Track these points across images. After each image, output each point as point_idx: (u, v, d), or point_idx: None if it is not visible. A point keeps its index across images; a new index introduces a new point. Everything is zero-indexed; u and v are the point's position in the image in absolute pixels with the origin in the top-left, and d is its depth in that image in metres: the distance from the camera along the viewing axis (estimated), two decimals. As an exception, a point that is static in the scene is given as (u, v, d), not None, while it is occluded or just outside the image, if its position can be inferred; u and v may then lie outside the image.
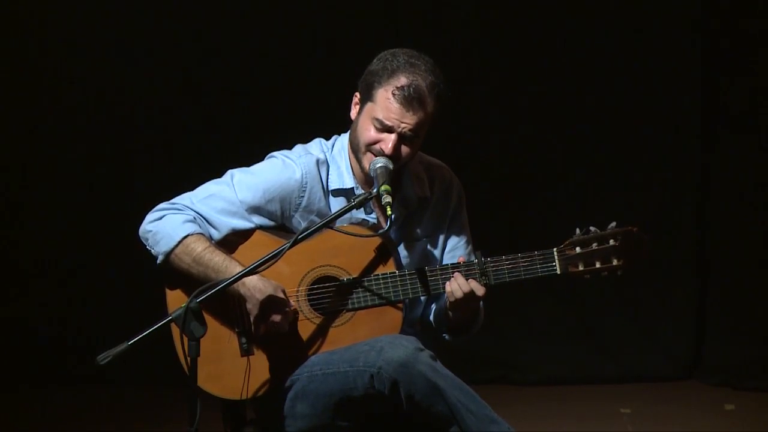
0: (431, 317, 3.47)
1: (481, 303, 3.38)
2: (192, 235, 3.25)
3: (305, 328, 3.28)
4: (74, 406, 5.63)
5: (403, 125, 3.23)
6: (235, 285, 3.16)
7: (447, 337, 3.44)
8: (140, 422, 5.39)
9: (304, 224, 3.31)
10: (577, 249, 3.26)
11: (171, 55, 5.87)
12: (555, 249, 3.28)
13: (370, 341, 3.19)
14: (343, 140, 3.41)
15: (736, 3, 5.76)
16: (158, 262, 3.28)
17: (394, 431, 3.20)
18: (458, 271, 3.25)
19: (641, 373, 5.89)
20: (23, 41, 5.87)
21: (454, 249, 3.44)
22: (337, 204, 3.34)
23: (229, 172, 3.35)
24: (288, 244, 3.08)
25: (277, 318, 3.21)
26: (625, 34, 5.80)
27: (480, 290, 3.23)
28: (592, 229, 3.27)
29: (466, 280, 3.23)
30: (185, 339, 2.97)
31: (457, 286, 3.23)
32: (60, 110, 5.92)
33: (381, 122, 3.24)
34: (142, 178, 5.82)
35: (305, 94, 5.77)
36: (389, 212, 3.15)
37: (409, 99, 3.21)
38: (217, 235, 3.29)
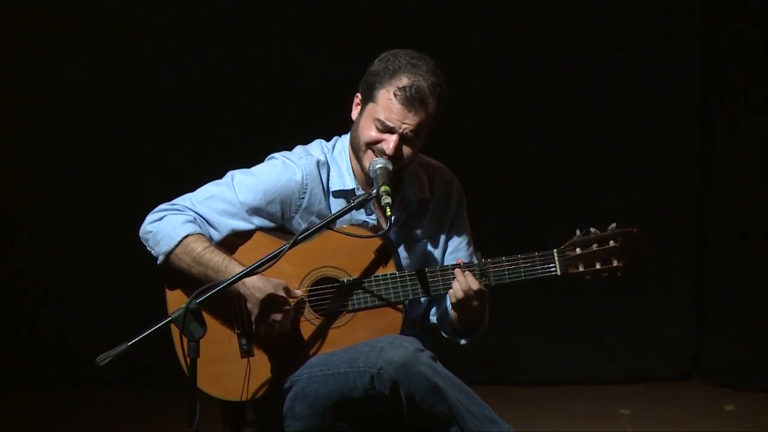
0: (435, 319, 3.47)
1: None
2: (192, 235, 3.25)
3: (305, 329, 3.28)
4: (74, 407, 5.63)
5: (404, 126, 3.23)
6: (235, 285, 3.16)
7: (462, 341, 3.42)
8: (140, 422, 5.39)
9: (304, 225, 3.31)
10: (578, 250, 3.27)
11: (171, 55, 5.86)
12: (555, 250, 3.28)
13: (370, 342, 3.19)
14: (343, 141, 3.41)
15: (735, 2, 5.76)
16: (158, 262, 3.29)
17: (394, 432, 3.21)
18: (459, 269, 3.25)
19: (641, 373, 5.89)
20: (22, 41, 5.87)
21: (456, 250, 3.44)
22: (337, 205, 3.34)
23: (230, 173, 3.35)
24: (288, 245, 3.08)
25: (277, 317, 3.21)
26: (625, 34, 5.79)
27: (475, 284, 3.22)
28: (592, 230, 3.28)
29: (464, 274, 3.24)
30: (185, 340, 2.97)
31: (457, 285, 3.23)
32: (60, 110, 5.91)
33: (382, 123, 3.24)
34: (142, 179, 5.82)
35: (306, 94, 5.76)
36: (389, 213, 3.15)
37: (411, 99, 3.22)
38: (217, 236, 3.30)
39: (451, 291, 3.25)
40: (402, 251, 3.39)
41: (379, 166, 3.23)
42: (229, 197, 3.30)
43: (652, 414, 5.35)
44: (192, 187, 3.36)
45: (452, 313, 3.36)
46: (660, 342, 5.92)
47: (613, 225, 3.29)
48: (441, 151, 3.53)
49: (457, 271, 3.25)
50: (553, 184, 5.90)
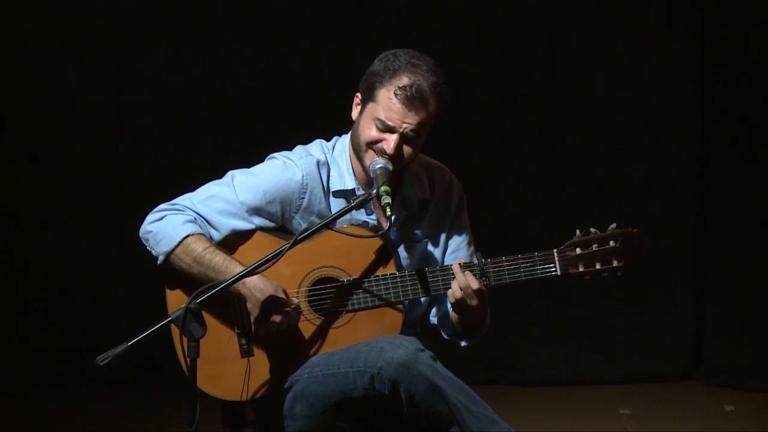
0: (435, 320, 3.47)
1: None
2: (192, 235, 3.25)
3: (305, 329, 3.28)
4: (74, 407, 5.63)
5: (405, 125, 3.23)
6: (235, 285, 3.16)
7: (463, 343, 3.42)
8: (140, 422, 5.40)
9: (304, 225, 3.31)
10: (578, 250, 3.26)
11: (172, 55, 5.86)
12: (555, 250, 3.28)
13: (370, 342, 3.19)
14: (344, 141, 3.41)
15: (735, 2, 5.77)
16: (159, 262, 3.29)
17: (393, 432, 3.21)
18: (458, 267, 3.25)
19: (641, 373, 5.89)
20: (23, 41, 5.87)
21: (457, 250, 3.44)
22: (337, 205, 3.34)
23: (230, 173, 3.35)
24: (288, 245, 3.08)
25: (277, 318, 3.21)
26: (625, 34, 5.80)
27: (475, 283, 3.22)
28: (592, 230, 3.27)
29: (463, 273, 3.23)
30: (185, 340, 2.97)
31: (456, 284, 3.23)
32: (60, 110, 5.91)
33: (383, 122, 3.24)
34: (142, 179, 5.82)
35: (306, 94, 5.77)
36: (389, 213, 3.15)
37: (411, 99, 3.21)
38: (217, 235, 3.30)
39: (450, 290, 3.25)
40: (402, 251, 3.39)
41: (379, 166, 3.23)
42: (229, 197, 3.30)
43: (652, 414, 5.35)
44: (192, 187, 3.36)
45: (453, 314, 3.35)
46: (660, 342, 5.92)
47: (613, 225, 3.29)
48: (441, 151, 3.53)
49: (456, 269, 3.24)
50: (553, 184, 5.90)
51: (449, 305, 3.32)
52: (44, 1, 5.84)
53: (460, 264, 3.26)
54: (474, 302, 3.23)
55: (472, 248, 3.46)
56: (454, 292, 3.23)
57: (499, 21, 5.83)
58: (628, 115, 5.86)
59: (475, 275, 3.24)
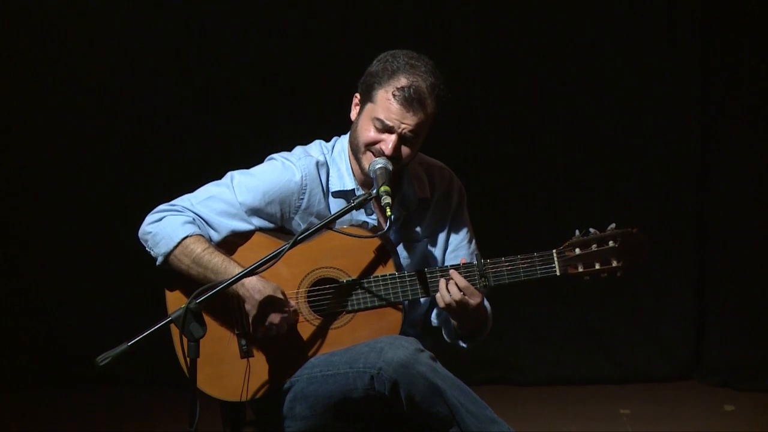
0: (437, 322, 3.47)
1: (489, 309, 3.37)
2: (191, 236, 3.25)
3: (305, 330, 3.28)
4: (74, 407, 5.63)
5: (403, 126, 3.24)
6: (234, 286, 3.16)
7: (464, 345, 3.42)
8: (140, 422, 5.39)
9: (303, 226, 3.32)
10: (577, 250, 3.26)
11: (172, 55, 5.86)
12: (554, 250, 3.28)
13: (369, 342, 3.19)
14: (343, 142, 3.41)
15: (734, 3, 5.77)
16: (158, 263, 3.29)
17: (393, 432, 3.21)
18: (443, 280, 3.24)
19: (641, 373, 5.89)
20: (24, 40, 5.87)
21: (457, 248, 3.44)
22: (337, 206, 3.34)
23: (229, 173, 3.35)
24: (287, 245, 3.08)
25: (276, 318, 3.21)
26: (625, 34, 5.80)
27: (461, 281, 3.22)
28: (591, 230, 3.27)
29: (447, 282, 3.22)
30: (185, 340, 2.97)
31: (445, 292, 3.23)
32: (60, 111, 5.90)
33: (381, 123, 3.24)
34: (142, 180, 5.81)
35: (305, 95, 5.77)
36: (389, 213, 3.15)
37: (410, 100, 3.22)
38: (216, 236, 3.30)
39: (438, 295, 3.24)
40: (402, 251, 3.39)
41: (379, 166, 3.23)
42: (228, 198, 3.30)
43: (652, 414, 5.35)
44: (191, 188, 3.36)
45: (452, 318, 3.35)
46: (660, 342, 5.92)
47: (613, 225, 3.29)
48: (441, 150, 3.53)
49: (441, 284, 3.23)
50: (553, 184, 5.90)
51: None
52: (45, 2, 5.84)
53: (459, 265, 3.26)
54: (468, 306, 3.23)
55: (473, 246, 3.46)
56: (443, 296, 3.23)
57: (497, 22, 5.83)
58: (628, 115, 5.85)
59: (473, 277, 3.24)
